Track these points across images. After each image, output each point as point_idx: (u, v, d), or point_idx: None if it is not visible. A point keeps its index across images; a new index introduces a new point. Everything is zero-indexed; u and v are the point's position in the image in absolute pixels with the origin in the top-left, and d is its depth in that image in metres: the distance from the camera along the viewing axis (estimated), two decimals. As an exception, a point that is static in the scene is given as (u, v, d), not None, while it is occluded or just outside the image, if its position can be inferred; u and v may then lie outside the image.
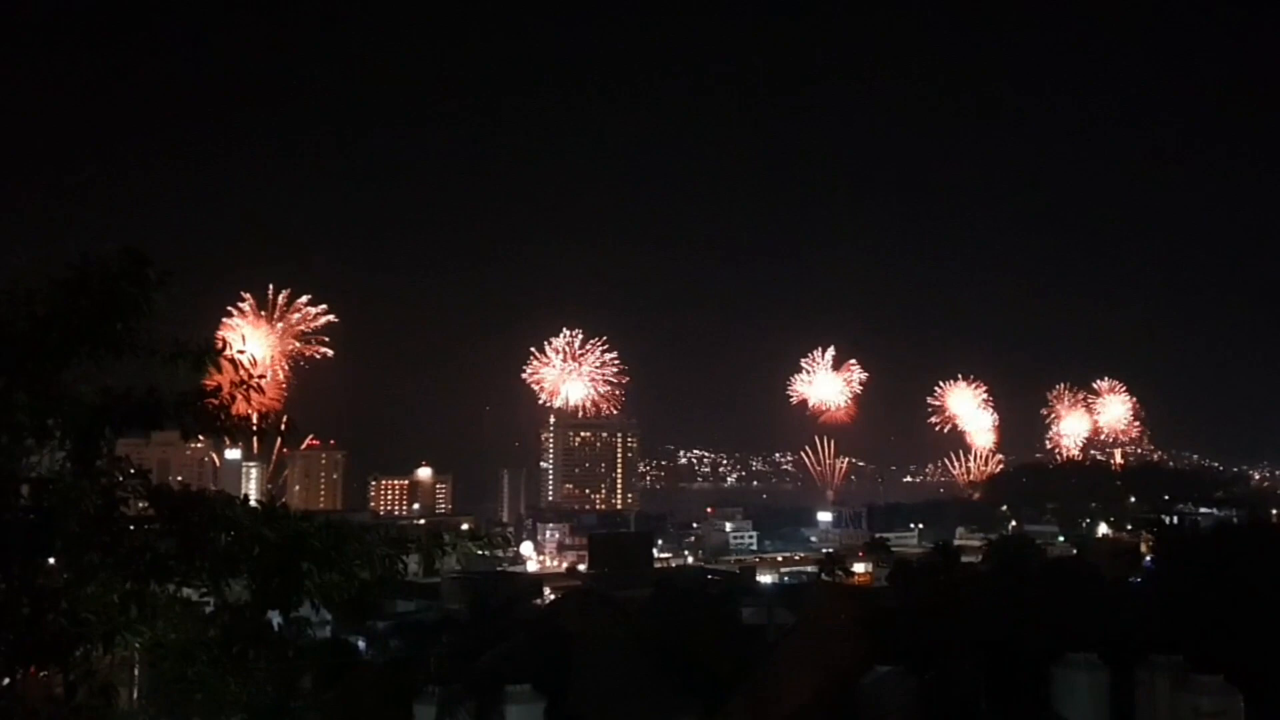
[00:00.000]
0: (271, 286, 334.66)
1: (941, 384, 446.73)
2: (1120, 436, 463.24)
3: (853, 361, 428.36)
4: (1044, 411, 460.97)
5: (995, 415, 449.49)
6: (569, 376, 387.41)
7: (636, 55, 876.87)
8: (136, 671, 14.27)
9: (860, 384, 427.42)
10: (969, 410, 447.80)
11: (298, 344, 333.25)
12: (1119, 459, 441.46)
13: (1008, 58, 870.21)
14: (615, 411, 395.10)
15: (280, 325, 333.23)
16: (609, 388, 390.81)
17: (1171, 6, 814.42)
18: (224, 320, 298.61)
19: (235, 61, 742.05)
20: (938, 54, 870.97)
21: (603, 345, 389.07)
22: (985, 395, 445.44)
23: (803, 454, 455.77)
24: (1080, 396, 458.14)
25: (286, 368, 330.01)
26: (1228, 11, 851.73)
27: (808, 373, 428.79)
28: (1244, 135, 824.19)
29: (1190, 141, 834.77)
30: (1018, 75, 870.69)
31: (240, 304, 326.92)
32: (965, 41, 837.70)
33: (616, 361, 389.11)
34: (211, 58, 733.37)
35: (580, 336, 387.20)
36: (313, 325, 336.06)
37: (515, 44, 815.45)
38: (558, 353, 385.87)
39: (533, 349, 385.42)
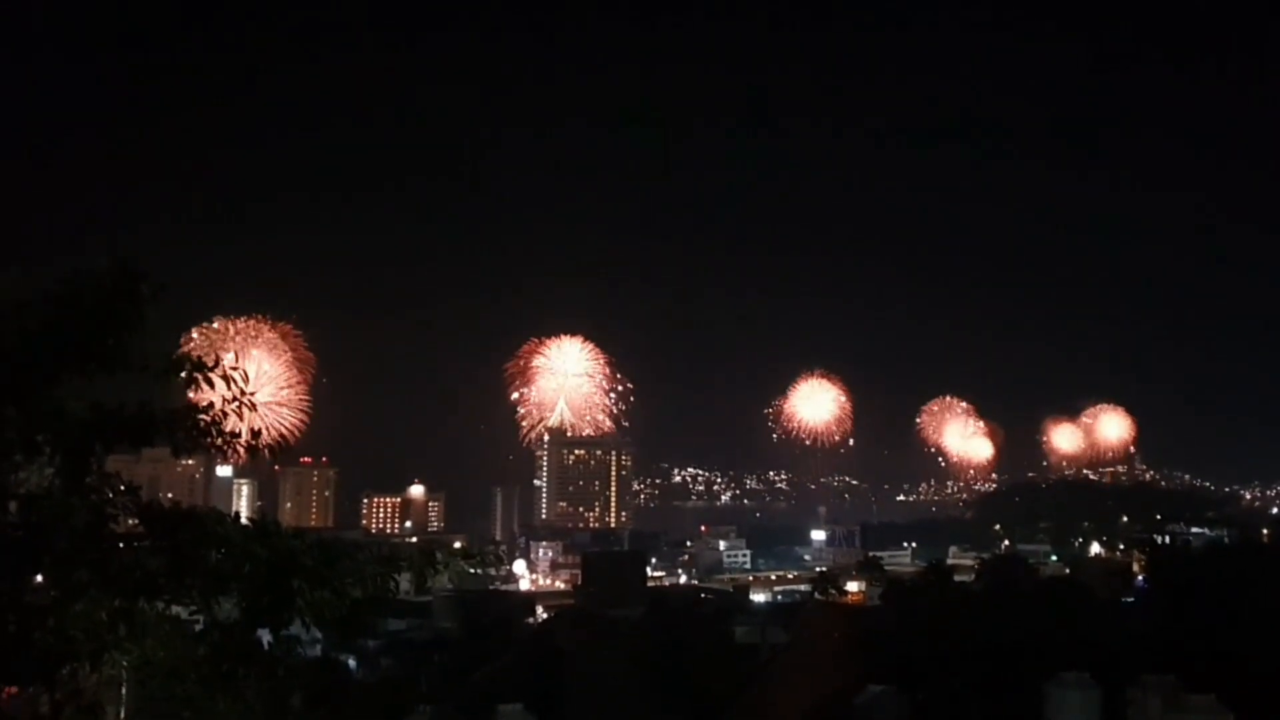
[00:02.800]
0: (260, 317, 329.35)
1: (929, 403, 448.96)
2: (1113, 456, 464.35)
3: (842, 392, 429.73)
4: (1037, 431, 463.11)
5: (987, 434, 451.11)
6: (563, 382, 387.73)
7: (634, 85, 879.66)
8: (124, 690, 14.17)
9: (849, 407, 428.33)
10: (959, 428, 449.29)
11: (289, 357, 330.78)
12: (1108, 478, 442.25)
13: (996, 85, 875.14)
14: (610, 425, 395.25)
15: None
16: (605, 393, 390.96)
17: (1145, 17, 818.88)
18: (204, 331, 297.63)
19: (232, 78, 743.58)
20: (927, 85, 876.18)
21: (598, 355, 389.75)
22: (974, 414, 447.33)
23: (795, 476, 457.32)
24: (1073, 419, 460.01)
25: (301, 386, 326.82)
26: (1221, 20, 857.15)
27: (796, 393, 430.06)
28: (1233, 157, 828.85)
29: (1179, 164, 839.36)
30: (1002, 102, 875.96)
31: (234, 321, 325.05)
32: (953, 72, 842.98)
33: (610, 367, 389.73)
34: (207, 74, 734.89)
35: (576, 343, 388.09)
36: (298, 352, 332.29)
37: (518, 67, 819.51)
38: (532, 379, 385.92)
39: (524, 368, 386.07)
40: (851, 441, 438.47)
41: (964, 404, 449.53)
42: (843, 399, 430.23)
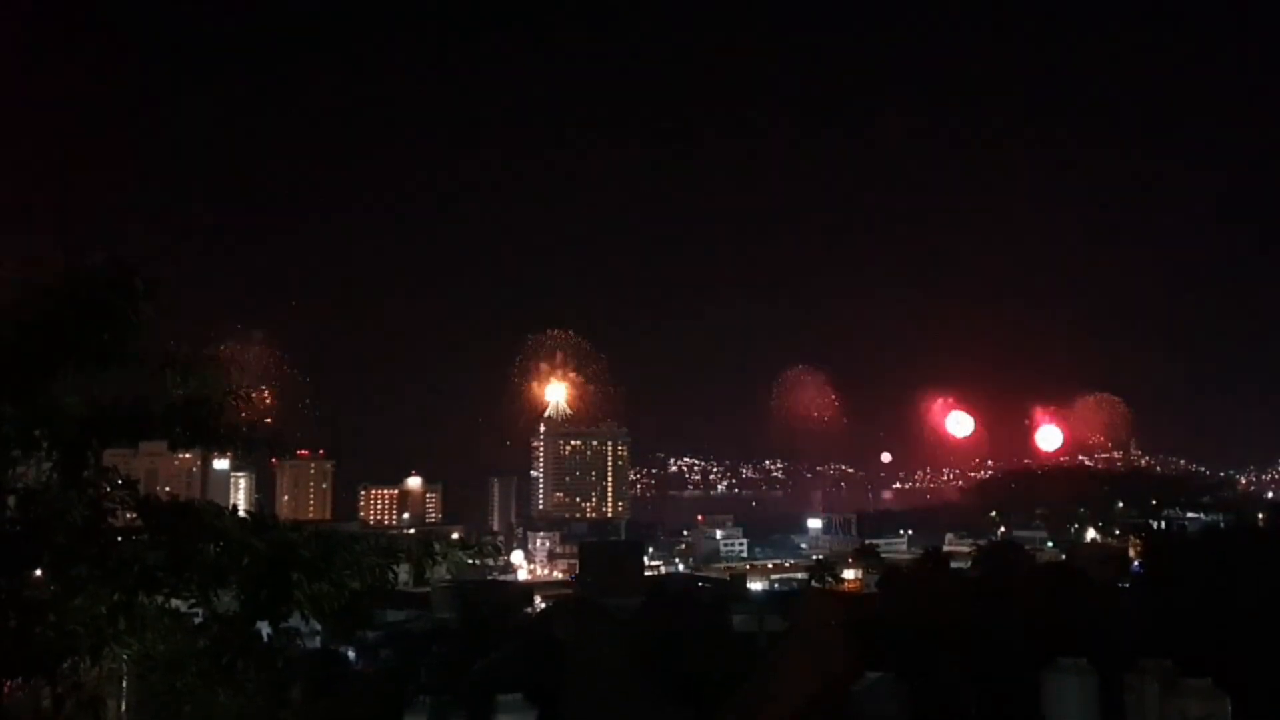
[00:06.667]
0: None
1: (923, 392, 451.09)
2: (1108, 442, 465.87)
3: (836, 381, 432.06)
4: (1032, 418, 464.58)
5: (981, 422, 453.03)
6: (559, 374, 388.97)
7: (628, 77, 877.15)
8: (125, 684, 14.21)
9: (843, 396, 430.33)
10: (953, 417, 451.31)
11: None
12: (1103, 464, 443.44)
13: (990, 71, 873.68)
14: (606, 416, 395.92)
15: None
16: (601, 384, 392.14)
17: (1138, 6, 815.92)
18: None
19: (227, 73, 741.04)
20: (923, 72, 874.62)
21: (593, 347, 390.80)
22: (968, 403, 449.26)
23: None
24: (1069, 405, 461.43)
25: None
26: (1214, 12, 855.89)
27: (790, 383, 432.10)
28: (1232, 144, 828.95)
29: (1175, 150, 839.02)
30: (997, 89, 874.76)
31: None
32: (950, 61, 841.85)
33: (605, 359, 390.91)
34: (199, 69, 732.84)
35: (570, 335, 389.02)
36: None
37: (514, 60, 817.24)
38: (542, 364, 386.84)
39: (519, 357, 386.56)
40: (848, 430, 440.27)
41: (957, 392, 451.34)
42: (835, 389, 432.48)
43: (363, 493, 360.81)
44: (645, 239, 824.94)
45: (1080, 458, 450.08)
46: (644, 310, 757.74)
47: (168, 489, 15.38)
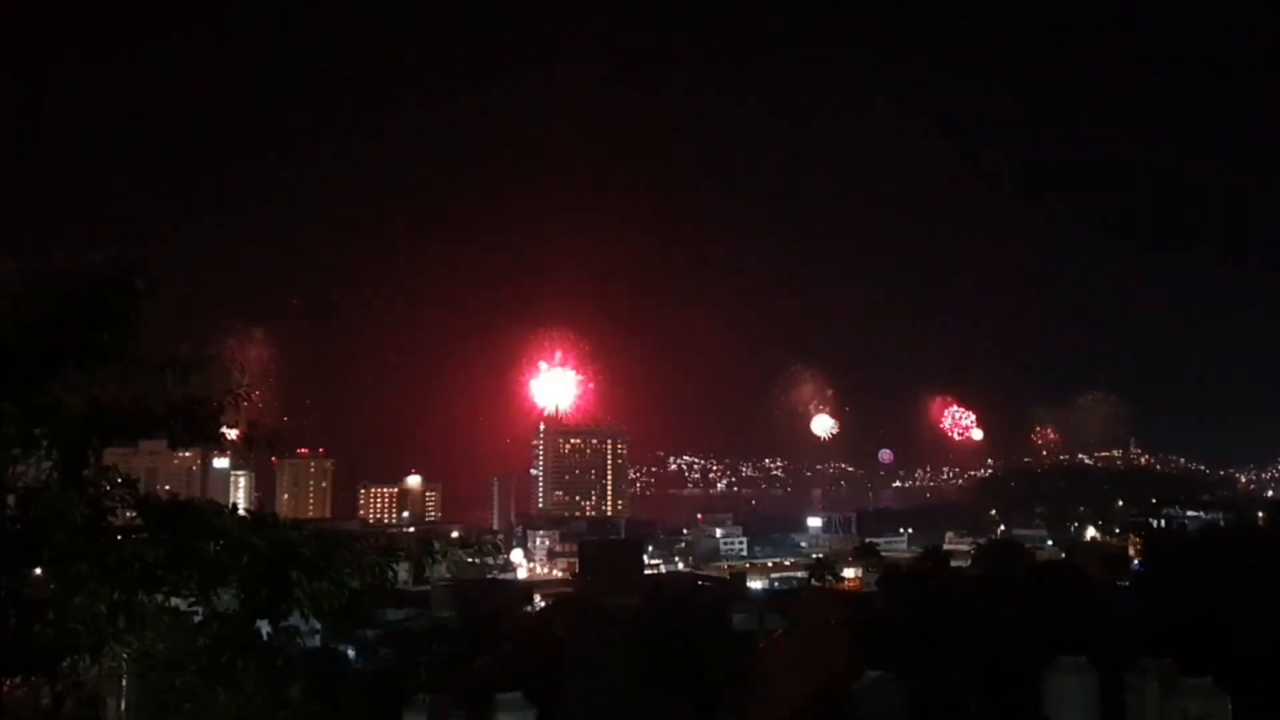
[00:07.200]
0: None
1: (924, 391, 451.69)
2: (1108, 440, 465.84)
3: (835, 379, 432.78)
4: (1032, 417, 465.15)
5: (981, 421, 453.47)
6: (559, 373, 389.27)
7: (628, 75, 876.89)
8: (124, 682, 14.21)
9: (841, 395, 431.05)
10: (952, 415, 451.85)
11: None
12: (1103, 463, 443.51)
13: (992, 69, 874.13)
14: (605, 414, 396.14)
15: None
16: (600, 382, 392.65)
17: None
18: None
19: (220, 60, 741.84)
20: (923, 70, 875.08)
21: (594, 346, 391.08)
22: (968, 402, 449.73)
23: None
24: (1068, 405, 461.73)
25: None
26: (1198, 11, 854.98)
27: (789, 382, 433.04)
28: (1227, 136, 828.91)
29: (1174, 149, 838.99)
30: (999, 88, 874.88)
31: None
32: (950, 59, 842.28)
33: (605, 357, 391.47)
34: (193, 60, 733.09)
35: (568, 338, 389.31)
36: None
37: (513, 36, 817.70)
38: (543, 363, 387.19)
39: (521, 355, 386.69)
40: (848, 429, 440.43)
41: (957, 392, 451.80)
42: (835, 388, 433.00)
43: (362, 492, 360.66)
44: (645, 238, 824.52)
45: (1080, 456, 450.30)
46: (644, 309, 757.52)
47: (167, 487, 15.39)
